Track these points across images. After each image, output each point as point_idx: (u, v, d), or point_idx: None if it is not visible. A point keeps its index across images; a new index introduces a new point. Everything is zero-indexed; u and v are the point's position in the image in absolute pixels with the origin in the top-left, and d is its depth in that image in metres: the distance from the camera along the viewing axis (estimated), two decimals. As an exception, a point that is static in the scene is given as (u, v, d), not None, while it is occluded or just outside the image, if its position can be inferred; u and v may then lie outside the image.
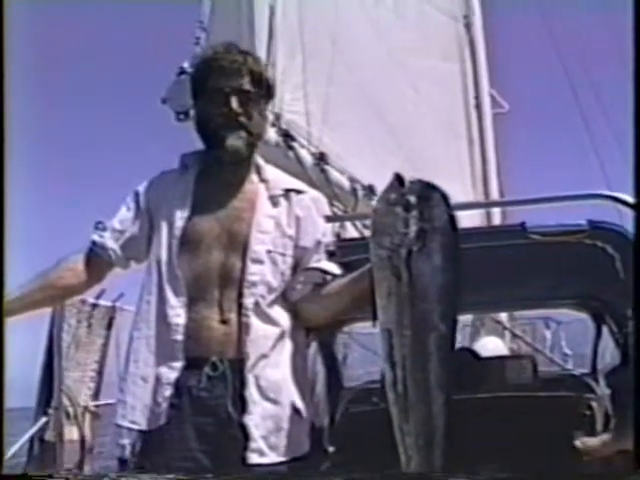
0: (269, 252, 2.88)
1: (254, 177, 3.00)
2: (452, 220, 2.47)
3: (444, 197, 2.49)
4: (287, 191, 3.01)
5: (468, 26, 7.74)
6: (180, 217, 2.90)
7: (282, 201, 2.98)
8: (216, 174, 2.97)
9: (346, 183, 5.28)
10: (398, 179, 2.52)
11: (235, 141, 2.89)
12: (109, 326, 7.14)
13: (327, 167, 5.04)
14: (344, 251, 3.14)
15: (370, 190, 5.42)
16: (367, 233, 4.76)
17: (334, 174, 5.12)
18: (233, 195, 2.95)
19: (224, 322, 2.79)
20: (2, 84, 2.94)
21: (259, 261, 2.86)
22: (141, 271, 3.01)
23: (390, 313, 2.47)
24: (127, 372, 2.87)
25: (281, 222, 2.94)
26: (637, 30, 2.96)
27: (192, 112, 3.21)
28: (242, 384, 2.76)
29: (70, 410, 6.34)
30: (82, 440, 6.37)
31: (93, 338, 6.87)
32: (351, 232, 4.66)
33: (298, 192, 3.04)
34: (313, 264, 2.96)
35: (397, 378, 2.47)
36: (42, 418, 5.56)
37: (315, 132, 5.09)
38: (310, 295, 2.93)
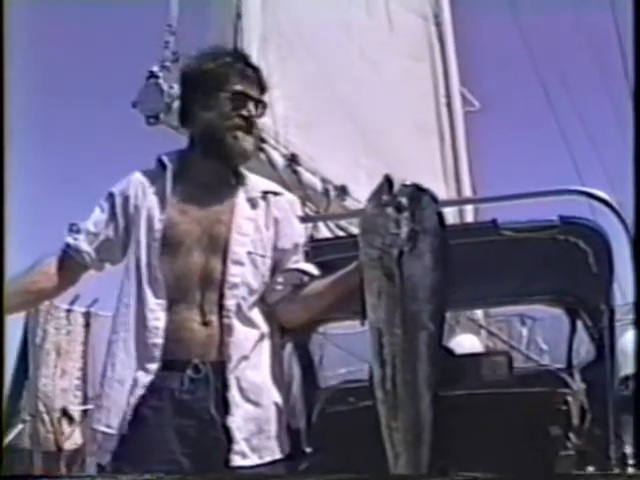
0: (249, 254, 2.90)
1: (232, 179, 3.01)
2: (441, 222, 2.56)
3: (434, 199, 2.58)
4: (265, 193, 3.04)
5: (438, 25, 7.77)
6: (159, 218, 2.90)
7: (260, 203, 3.01)
8: (195, 175, 2.98)
9: (318, 184, 5.31)
10: (388, 181, 2.59)
11: (247, 144, 2.94)
12: (87, 332, 7.12)
13: (299, 168, 5.05)
14: (317, 251, 3.19)
15: (342, 190, 5.46)
16: (340, 233, 4.81)
17: (306, 175, 5.14)
18: (212, 197, 2.96)
19: (205, 324, 2.80)
20: (2, 83, 2.92)
21: (239, 263, 2.88)
22: (116, 276, 3.01)
23: (380, 312, 2.54)
24: (104, 376, 2.86)
25: (260, 224, 2.97)
26: (637, 30, 2.99)
27: (168, 117, 3.21)
28: (224, 386, 2.77)
29: (46, 417, 6.32)
30: (58, 448, 6.35)
31: (74, 345, 6.85)
32: (324, 233, 4.66)
33: (275, 194, 3.08)
34: (291, 265, 3.00)
35: (386, 376, 2.54)
36: (18, 425, 5.53)
37: (286, 134, 5.10)
38: (290, 296, 2.96)
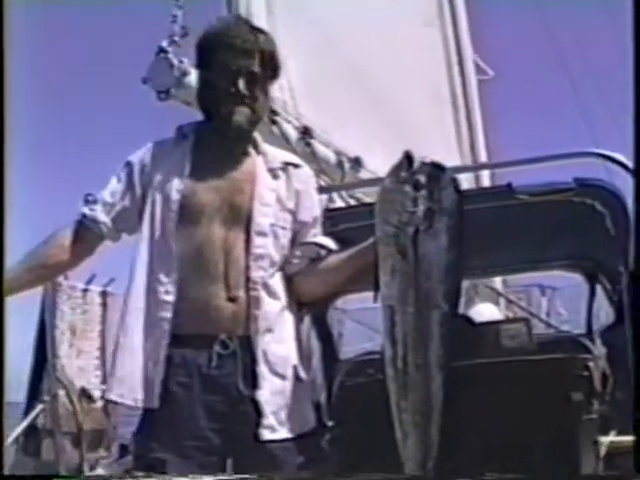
0: (272, 225, 2.90)
1: (251, 150, 3.00)
2: (459, 202, 2.55)
3: (453, 179, 2.57)
4: (285, 164, 3.03)
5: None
6: (177, 188, 2.88)
7: (281, 174, 3.00)
8: (214, 145, 2.96)
9: (332, 156, 5.30)
10: (408, 157, 2.58)
11: (239, 117, 2.89)
12: (104, 312, 7.14)
13: (312, 141, 5.03)
14: (332, 221, 3.21)
15: (356, 162, 5.45)
16: (353, 203, 4.81)
17: (320, 148, 5.14)
18: (232, 166, 2.95)
19: (232, 300, 2.80)
20: (2, 82, 2.92)
21: (263, 234, 2.88)
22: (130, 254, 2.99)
23: (393, 290, 2.54)
24: (117, 347, 2.87)
25: (281, 195, 2.96)
26: (637, 30, 2.97)
27: (191, 79, 3.15)
28: (252, 360, 2.78)
29: (65, 398, 6.35)
30: (79, 428, 6.38)
31: (92, 325, 6.87)
32: (339, 205, 4.65)
33: (296, 166, 3.06)
34: (310, 238, 2.99)
35: (397, 355, 2.54)
36: (38, 405, 5.55)
37: (296, 106, 5.07)
38: (307, 269, 2.97)
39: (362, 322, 7.95)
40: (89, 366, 6.72)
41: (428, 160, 2.57)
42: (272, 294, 2.86)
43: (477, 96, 8.07)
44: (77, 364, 6.49)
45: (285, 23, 5.06)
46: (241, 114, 2.88)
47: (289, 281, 2.95)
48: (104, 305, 7.14)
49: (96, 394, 6.77)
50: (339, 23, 5.85)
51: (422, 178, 2.53)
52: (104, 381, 6.99)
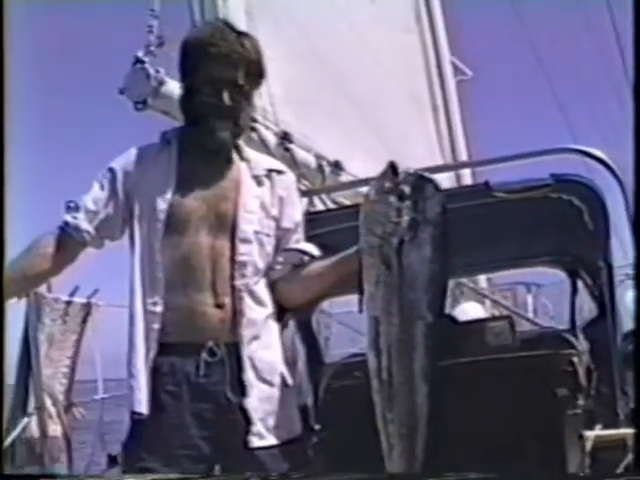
0: (256, 232, 2.90)
1: (235, 156, 3.00)
2: (444, 212, 2.56)
3: (437, 189, 2.58)
4: (269, 171, 3.03)
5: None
6: (163, 196, 2.87)
7: (265, 181, 3.00)
8: (198, 152, 2.94)
9: (312, 161, 5.28)
10: (392, 168, 2.59)
11: (222, 132, 2.88)
12: (84, 322, 7.12)
13: (291, 146, 5.03)
14: (312, 224, 3.21)
15: (337, 166, 5.44)
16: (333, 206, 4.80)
17: (299, 153, 5.12)
18: (217, 174, 2.95)
19: (219, 306, 2.80)
20: (2, 81, 2.93)
21: (247, 241, 2.88)
22: (117, 266, 3.01)
23: (378, 300, 2.57)
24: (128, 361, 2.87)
25: (265, 202, 2.96)
26: (637, 30, 2.99)
27: (168, 89, 3.12)
28: (239, 367, 2.79)
29: (52, 409, 6.33)
30: (66, 438, 6.37)
31: (68, 335, 6.85)
32: (319, 209, 4.65)
33: (279, 172, 3.06)
34: (292, 245, 3.01)
35: (382, 366, 2.57)
36: (24, 418, 5.55)
37: (275, 112, 5.08)
38: (290, 275, 2.97)
39: (347, 325, 7.94)
40: (57, 374, 6.70)
41: (412, 170, 2.58)
42: (257, 301, 2.87)
43: (456, 97, 8.11)
44: (46, 372, 6.46)
45: (265, 27, 5.06)
46: (225, 128, 2.88)
47: (272, 287, 2.96)
48: (86, 316, 7.12)
49: (61, 398, 6.75)
50: (319, 29, 5.85)
51: (406, 189, 2.55)
52: (68, 390, 7.01)
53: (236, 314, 2.81)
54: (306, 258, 3.00)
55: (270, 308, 2.92)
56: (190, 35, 3.03)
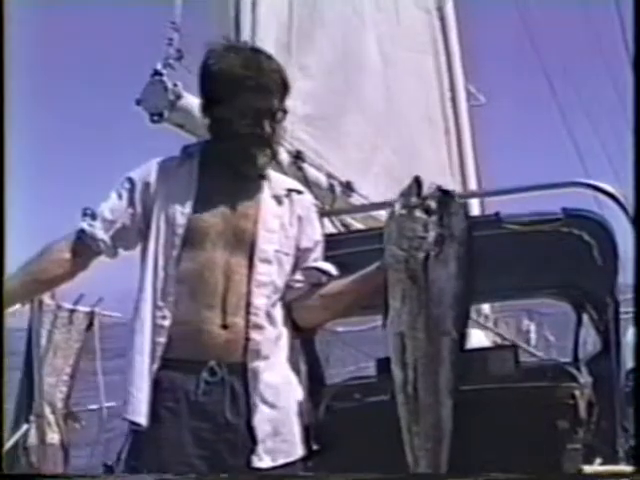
0: (276, 252, 2.93)
1: (256, 175, 3.02)
2: (469, 229, 2.62)
3: (463, 206, 2.64)
4: (289, 191, 3.06)
5: (442, 19, 7.75)
6: (182, 211, 2.89)
7: (285, 201, 3.03)
8: (220, 168, 2.97)
9: (323, 180, 5.29)
10: (417, 183, 2.63)
11: (262, 159, 2.94)
12: (87, 330, 7.10)
13: (304, 165, 5.04)
14: (328, 246, 3.21)
15: (348, 187, 5.45)
16: (341, 228, 4.82)
17: (311, 172, 5.13)
18: (238, 191, 2.97)
19: (225, 327, 2.81)
20: (2, 82, 2.96)
21: (267, 261, 2.90)
22: (121, 275, 3.03)
23: (404, 316, 2.60)
24: (126, 371, 2.89)
25: (285, 222, 2.99)
26: (637, 30, 3.02)
27: (186, 103, 3.12)
28: (241, 388, 2.81)
29: (51, 417, 6.34)
30: (63, 445, 6.38)
31: (71, 344, 6.85)
32: (329, 230, 4.67)
33: (298, 192, 3.10)
34: (311, 263, 3.03)
35: (408, 380, 2.60)
36: (24, 425, 5.57)
37: (294, 130, 5.09)
38: (307, 295, 3.00)
39: (348, 345, 7.95)
40: (58, 382, 6.70)
41: (436, 186, 2.63)
42: (272, 321, 2.89)
43: (468, 122, 8.12)
44: (49, 381, 6.47)
45: (295, 44, 5.10)
46: (266, 156, 2.94)
47: (288, 307, 2.98)
48: (89, 325, 7.11)
49: (59, 406, 6.75)
50: (348, 44, 5.87)
51: (433, 204, 2.59)
52: (67, 398, 7.00)
53: (249, 334, 2.82)
54: (324, 277, 3.02)
55: (282, 328, 2.93)
56: (214, 62, 2.99)
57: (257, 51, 3.05)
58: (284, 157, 4.86)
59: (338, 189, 5.35)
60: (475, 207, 6.83)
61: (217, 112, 2.98)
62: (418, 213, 2.59)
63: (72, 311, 6.88)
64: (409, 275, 2.57)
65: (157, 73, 4.25)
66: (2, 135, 2.97)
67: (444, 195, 2.61)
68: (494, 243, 3.68)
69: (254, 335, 2.83)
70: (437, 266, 2.56)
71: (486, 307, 8.07)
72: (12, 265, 2.96)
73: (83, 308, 7.05)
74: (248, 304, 2.84)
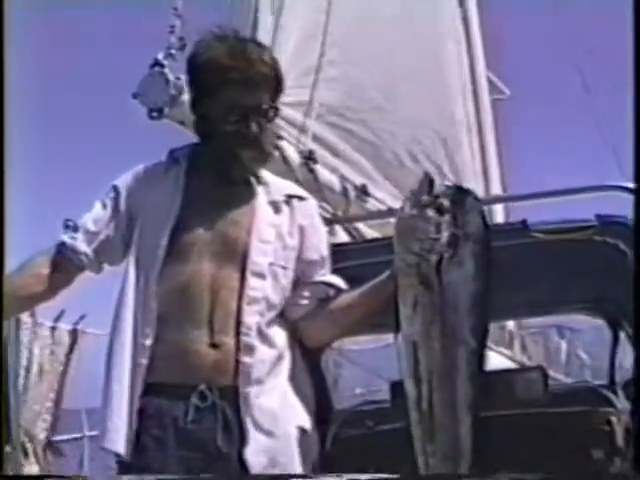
0: (271, 265, 2.90)
1: (251, 179, 3.01)
2: (485, 227, 2.60)
3: (478, 202, 2.63)
4: (289, 197, 3.04)
5: (461, 5, 7.79)
6: (167, 219, 2.89)
7: (284, 208, 3.01)
8: (210, 172, 2.97)
9: (337, 183, 5.30)
10: (428, 180, 2.63)
11: (250, 163, 2.93)
12: (70, 351, 7.09)
13: (316, 167, 5.03)
14: (335, 257, 3.19)
15: (363, 191, 5.47)
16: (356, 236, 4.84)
17: (323, 174, 5.15)
18: (229, 197, 2.96)
19: (214, 346, 2.79)
20: (2, 83, 2.99)
21: (260, 275, 2.88)
22: (106, 289, 3.03)
23: (416, 324, 2.57)
24: (104, 394, 2.86)
25: (283, 232, 2.96)
26: (637, 30, 3.05)
27: (172, 111, 3.13)
28: (234, 415, 2.78)
29: (29, 446, 6.34)
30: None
31: (55, 366, 6.85)
32: (341, 238, 4.69)
33: (300, 198, 3.08)
34: (318, 278, 3.01)
35: (422, 395, 2.56)
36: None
37: (315, 126, 5.13)
38: (315, 311, 2.98)
39: (358, 365, 7.96)
40: (42, 410, 6.69)
41: (450, 182, 2.64)
42: (267, 341, 2.85)
43: (491, 117, 8.12)
44: (35, 409, 6.48)
45: (328, 34, 5.16)
46: (253, 159, 2.92)
47: (293, 326, 2.96)
48: (73, 344, 7.09)
49: (41, 436, 6.75)
50: (383, 36, 5.94)
51: (445, 202, 2.57)
52: (52, 428, 7.01)
53: (239, 354, 2.80)
54: (332, 291, 3.00)
55: (281, 349, 2.91)
56: (202, 52, 3.00)
57: (247, 40, 3.04)
58: (294, 157, 4.88)
59: (352, 193, 5.36)
60: (499, 214, 6.86)
61: (202, 108, 2.99)
62: (430, 212, 2.57)
63: (53, 329, 6.87)
64: (421, 280, 2.56)
65: (157, 64, 4.23)
66: (2, 135, 3.00)
67: (457, 192, 2.61)
68: (521, 253, 3.70)
69: (244, 357, 2.81)
70: (451, 269, 2.55)
71: (511, 323, 8.08)
72: (12, 266, 3.00)
73: (65, 325, 7.05)
74: (238, 322, 2.83)
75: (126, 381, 2.80)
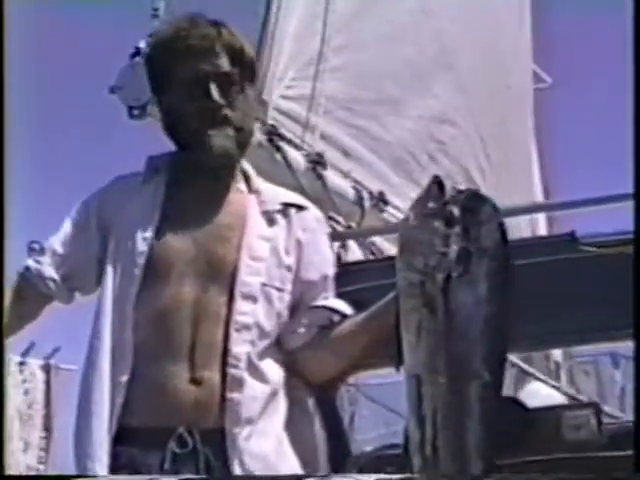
0: (264, 285, 2.86)
1: (242, 186, 3.01)
2: (504, 241, 2.51)
3: (496, 211, 2.53)
4: (285, 206, 3.00)
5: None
6: (144, 235, 2.86)
7: (279, 219, 2.97)
8: (193, 181, 2.95)
9: (349, 190, 5.31)
10: (438, 184, 2.55)
11: (223, 141, 2.87)
12: (48, 390, 7.03)
13: (325, 172, 5.05)
14: (347, 278, 3.21)
15: (380, 199, 5.47)
16: (377, 253, 4.85)
17: (334, 180, 5.16)
18: (216, 208, 2.94)
19: (195, 382, 2.75)
20: (2, 83, 3.04)
21: (251, 297, 2.84)
22: (83, 315, 3.02)
23: (420, 354, 2.50)
24: (75, 441, 2.86)
25: (278, 247, 2.93)
26: (637, 30, 3.08)
27: (154, 109, 3.17)
28: (219, 461, 2.73)
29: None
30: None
31: (36, 408, 6.82)
32: (356, 255, 4.69)
33: (299, 208, 3.04)
34: (319, 302, 2.97)
35: (426, 438, 2.48)
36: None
37: (322, 123, 5.16)
38: (315, 340, 2.94)
39: (376, 400, 7.97)
40: (34, 462, 6.67)
41: (463, 187, 2.55)
42: (258, 375, 2.81)
43: (531, 110, 8.12)
44: (25, 461, 6.45)
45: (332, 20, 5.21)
46: (224, 136, 2.87)
47: (290, 358, 2.94)
48: (48, 382, 7.04)
49: None
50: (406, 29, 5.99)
51: (455, 211, 2.49)
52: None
53: (224, 390, 2.76)
54: (336, 317, 2.96)
55: (276, 384, 2.87)
56: (152, 40, 3.10)
57: (198, 18, 3.00)
58: (299, 161, 4.90)
59: (368, 202, 5.34)
60: (542, 224, 6.86)
61: (162, 97, 3.00)
62: (437, 223, 2.49)
63: (22, 364, 6.82)
64: (425, 302, 2.47)
65: (139, 53, 4.21)
66: (2, 135, 3.03)
67: (470, 199, 2.52)
68: (568, 270, 3.69)
69: (232, 393, 2.76)
70: (461, 289, 2.46)
71: (557, 352, 8.08)
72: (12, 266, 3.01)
73: (35, 360, 7.00)
74: (225, 353, 2.78)
75: (105, 424, 2.76)
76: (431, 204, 2.51)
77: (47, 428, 6.96)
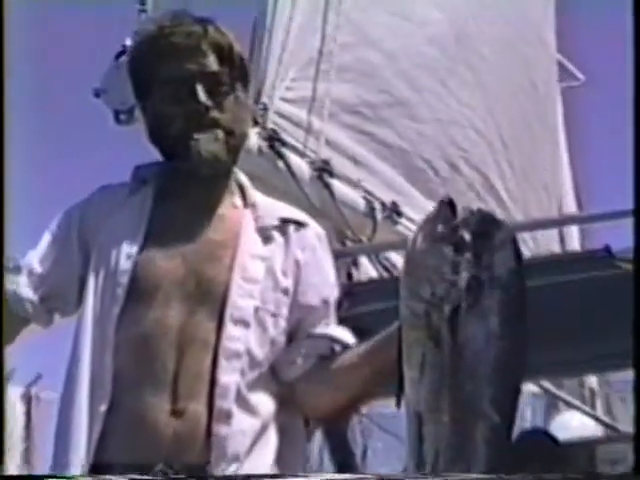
0: (257, 310, 2.78)
1: (236, 200, 2.95)
2: (519, 270, 2.45)
3: (511, 236, 2.48)
4: (283, 222, 2.94)
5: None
6: (128, 252, 2.80)
7: (277, 237, 2.90)
8: (183, 193, 2.90)
9: (360, 201, 5.25)
10: (449, 205, 2.49)
11: (211, 145, 2.80)
12: (28, 422, 7.03)
13: (332, 181, 4.96)
14: (355, 299, 3.15)
15: (393, 210, 5.41)
16: (391, 269, 4.82)
17: (342, 189, 5.11)
18: (207, 223, 2.87)
19: (177, 414, 2.68)
20: (2, 83, 3.01)
21: (243, 322, 2.76)
22: (65, 338, 2.98)
23: (423, 391, 2.43)
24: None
25: (274, 267, 2.85)
26: (637, 30, 3.07)
27: (138, 113, 3.16)
28: None
29: None
30: None
31: (13, 442, 6.81)
32: (368, 271, 4.66)
33: (299, 225, 2.97)
34: (319, 330, 2.90)
35: None
36: None
37: (329, 129, 5.12)
38: (314, 372, 2.87)
39: (390, 431, 7.96)
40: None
41: (475, 209, 2.49)
42: (248, 408, 2.75)
43: (561, 110, 8.12)
44: None
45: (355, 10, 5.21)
46: (212, 139, 2.82)
47: (286, 389, 2.86)
48: (28, 414, 7.03)
49: None
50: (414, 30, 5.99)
51: (466, 235, 2.42)
52: None
53: (210, 424, 2.68)
54: (338, 347, 2.89)
55: (266, 418, 2.80)
56: (133, 43, 3.08)
57: (183, 16, 2.96)
58: (304, 169, 4.84)
59: (380, 214, 5.29)
60: (575, 238, 6.83)
61: (148, 109, 2.95)
62: (446, 248, 2.42)
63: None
64: (430, 334, 2.41)
65: (125, 52, 4.16)
66: (2, 135, 3.01)
67: (482, 222, 2.46)
68: (603, 288, 3.66)
69: (219, 427, 2.69)
70: (470, 322, 2.39)
71: (592, 379, 8.04)
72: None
73: (16, 389, 7.01)
74: (212, 382, 2.71)
75: (83, 455, 2.68)
76: (440, 227, 2.46)
77: (28, 463, 6.94)
